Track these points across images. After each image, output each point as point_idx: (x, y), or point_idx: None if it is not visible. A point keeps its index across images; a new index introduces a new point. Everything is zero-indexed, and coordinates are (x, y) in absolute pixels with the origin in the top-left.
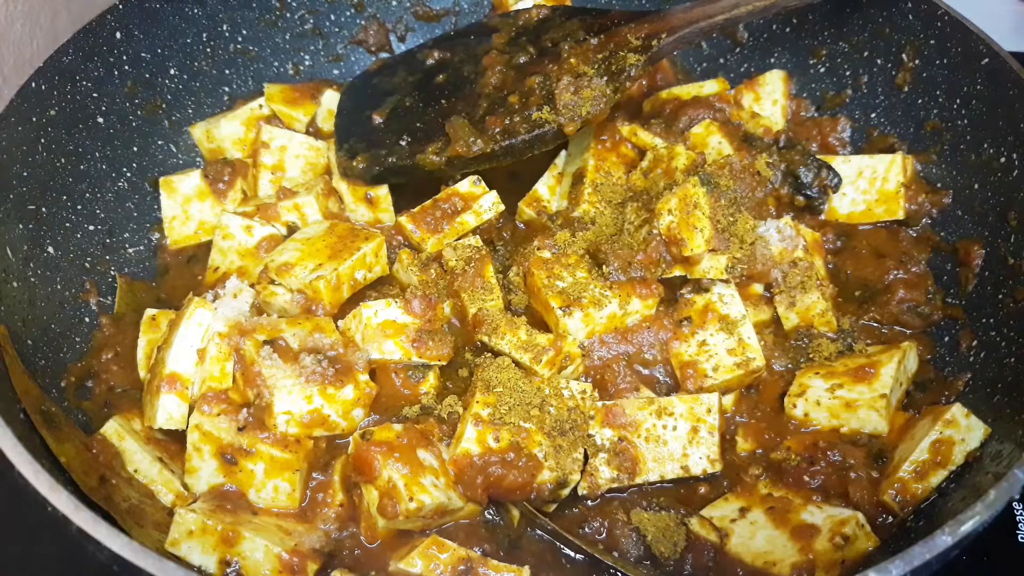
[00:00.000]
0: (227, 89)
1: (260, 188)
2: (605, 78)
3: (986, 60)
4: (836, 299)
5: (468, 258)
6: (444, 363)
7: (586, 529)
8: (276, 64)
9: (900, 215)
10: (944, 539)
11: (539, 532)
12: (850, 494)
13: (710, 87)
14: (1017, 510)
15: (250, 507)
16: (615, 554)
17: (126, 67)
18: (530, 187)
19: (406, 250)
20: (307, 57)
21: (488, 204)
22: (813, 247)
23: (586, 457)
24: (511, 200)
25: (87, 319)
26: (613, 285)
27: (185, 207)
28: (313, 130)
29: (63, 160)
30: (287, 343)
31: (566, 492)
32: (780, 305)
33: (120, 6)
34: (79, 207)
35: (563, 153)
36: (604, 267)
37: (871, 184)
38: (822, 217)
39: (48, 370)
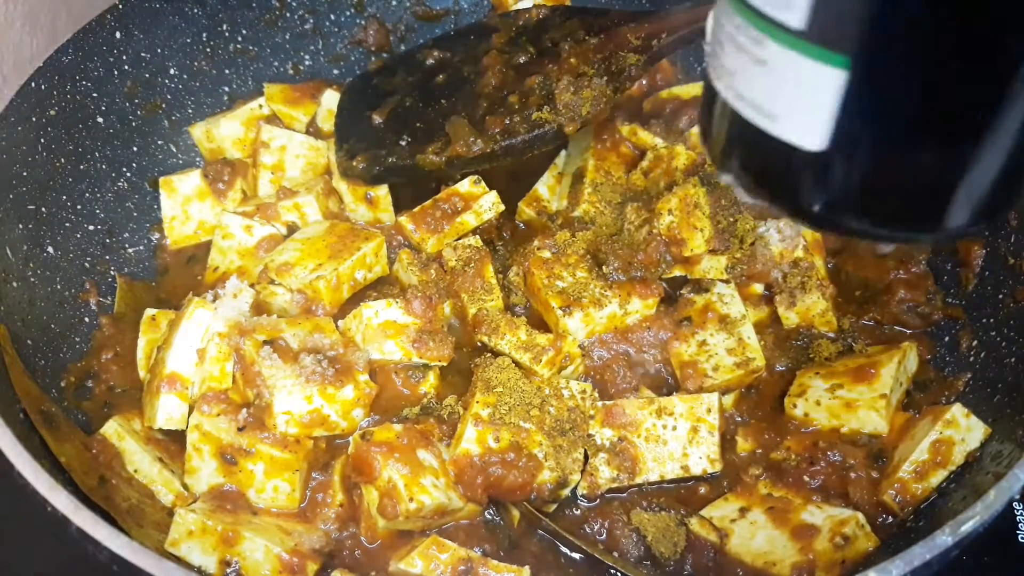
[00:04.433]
0: (227, 89)
1: (260, 188)
2: (605, 78)
3: None
4: (836, 299)
5: (468, 258)
6: (444, 363)
7: (586, 529)
8: (276, 64)
9: None
10: (944, 539)
11: (539, 532)
12: (850, 494)
13: None
14: (1017, 510)
15: (250, 507)
16: (615, 554)
17: (126, 67)
18: (530, 187)
19: (406, 250)
20: (307, 57)
21: (488, 204)
22: (813, 247)
23: (586, 457)
24: (511, 200)
25: (87, 319)
26: (613, 285)
27: (185, 207)
28: (313, 130)
29: (63, 160)
30: (287, 343)
31: (566, 492)
32: (780, 305)
33: (120, 6)
34: (79, 207)
35: (563, 153)
36: (604, 267)
37: None
38: None
39: (48, 370)
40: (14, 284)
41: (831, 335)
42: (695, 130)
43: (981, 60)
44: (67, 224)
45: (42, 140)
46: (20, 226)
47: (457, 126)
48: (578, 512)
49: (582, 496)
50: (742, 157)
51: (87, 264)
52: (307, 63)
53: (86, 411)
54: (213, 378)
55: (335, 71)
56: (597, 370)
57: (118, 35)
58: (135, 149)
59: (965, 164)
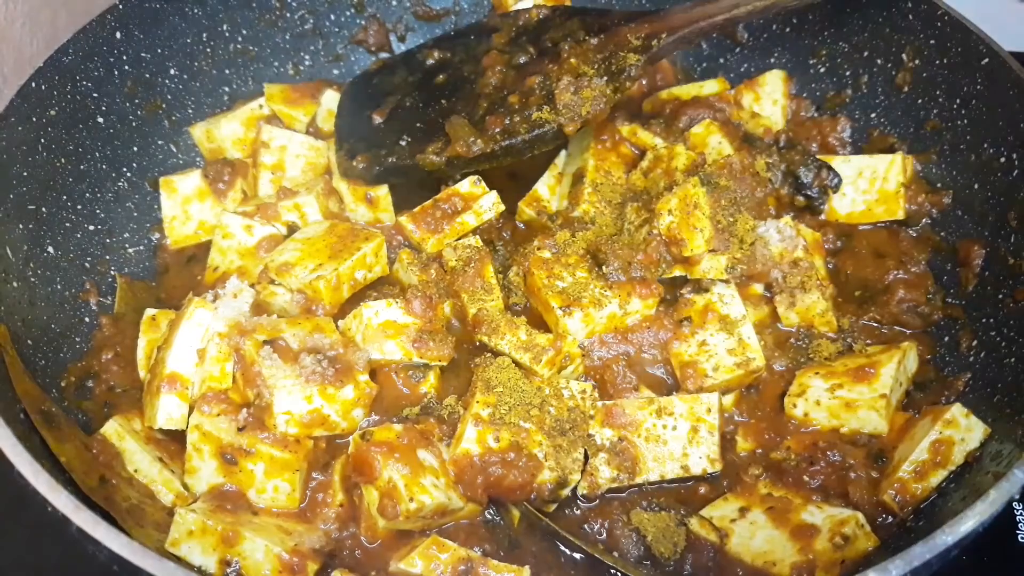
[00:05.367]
0: (227, 89)
1: (260, 188)
2: (605, 78)
3: (986, 60)
4: (836, 299)
5: (468, 258)
6: (444, 363)
7: (586, 529)
8: (276, 64)
9: (900, 215)
10: (944, 539)
11: (539, 532)
12: (850, 494)
13: (710, 87)
14: (1017, 510)
15: (250, 507)
16: (615, 554)
17: (126, 67)
18: (530, 187)
19: (406, 250)
20: (307, 57)
21: (488, 204)
22: (813, 247)
23: (586, 457)
24: (511, 200)
25: (87, 319)
26: (613, 285)
27: (185, 207)
28: (313, 130)
29: (63, 160)
30: (287, 343)
31: (566, 492)
32: (780, 305)
33: (120, 6)
34: (79, 207)
35: (563, 153)
36: (604, 267)
37: (871, 184)
38: (822, 217)
39: (48, 370)
40: (14, 284)
41: (831, 335)
42: (695, 130)
43: None
44: (67, 224)
45: (42, 140)
46: (20, 226)
47: (457, 126)
48: (578, 512)
49: (582, 496)
50: None
51: (87, 264)
52: (307, 63)
53: (86, 411)
54: (213, 378)
55: (335, 71)
56: (597, 370)
57: (118, 35)
58: (135, 149)
59: None
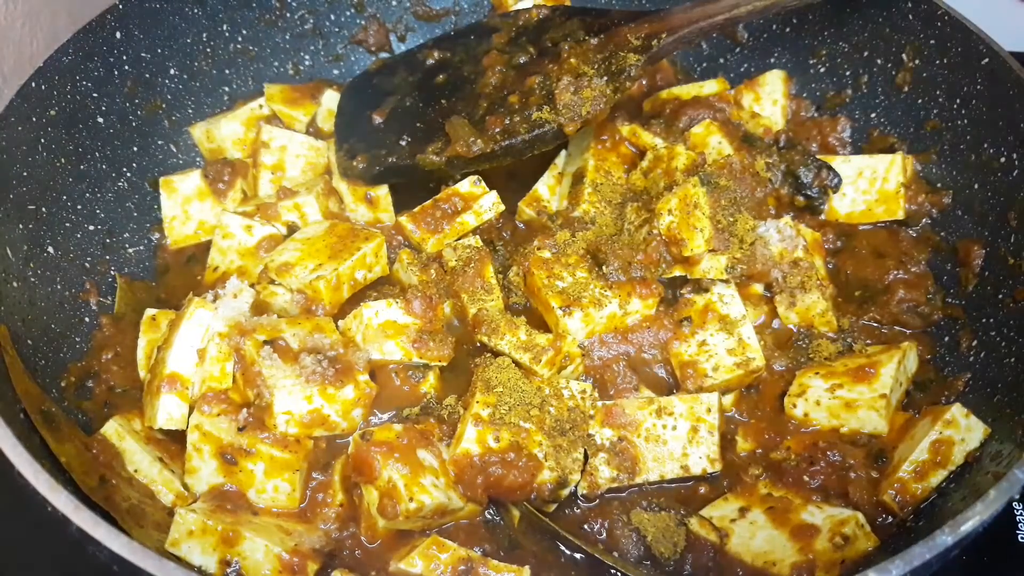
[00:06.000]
0: (227, 89)
1: (260, 188)
2: (605, 78)
3: (986, 60)
4: (836, 299)
5: (468, 258)
6: (444, 363)
7: (586, 529)
8: (276, 64)
9: (900, 215)
10: (944, 539)
11: (539, 532)
12: (850, 494)
13: (710, 87)
14: (1017, 510)
15: (250, 507)
16: (615, 554)
17: (126, 67)
18: (530, 187)
19: (406, 250)
20: (307, 57)
21: (488, 204)
22: (813, 247)
23: (586, 457)
24: (511, 200)
25: (87, 319)
26: (613, 285)
27: (185, 207)
28: (313, 130)
29: (63, 160)
30: (287, 343)
31: (566, 492)
32: (780, 305)
33: (120, 6)
34: (79, 207)
35: (563, 153)
36: (604, 267)
37: (871, 184)
38: (822, 217)
39: (48, 370)
40: (14, 284)
41: (831, 335)
42: (695, 130)
43: None
44: (67, 224)
45: (42, 140)
46: (20, 226)
47: (457, 126)
48: (578, 512)
49: (582, 496)
50: None
51: (87, 264)
52: (307, 63)
53: (86, 411)
54: (213, 378)
55: (335, 71)
56: (597, 370)
57: (118, 35)
58: (135, 149)
59: None
